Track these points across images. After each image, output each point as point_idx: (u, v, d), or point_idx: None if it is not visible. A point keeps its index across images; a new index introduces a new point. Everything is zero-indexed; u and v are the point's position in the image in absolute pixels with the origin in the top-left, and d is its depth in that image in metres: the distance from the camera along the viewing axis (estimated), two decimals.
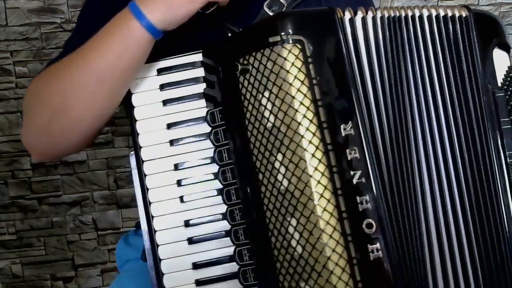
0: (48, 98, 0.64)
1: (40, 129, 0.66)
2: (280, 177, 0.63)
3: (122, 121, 1.17)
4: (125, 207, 1.32)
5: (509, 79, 0.69)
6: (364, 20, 0.66)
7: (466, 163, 0.66)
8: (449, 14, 0.68)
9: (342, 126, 0.62)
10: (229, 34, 0.74)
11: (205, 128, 0.69)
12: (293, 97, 0.62)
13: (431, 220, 0.65)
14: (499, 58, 0.70)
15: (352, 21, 0.65)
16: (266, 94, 0.64)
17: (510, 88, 0.69)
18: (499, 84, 0.69)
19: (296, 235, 0.63)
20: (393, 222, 0.63)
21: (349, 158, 0.62)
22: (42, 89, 0.65)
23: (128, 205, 1.31)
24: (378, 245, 0.62)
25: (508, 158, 0.67)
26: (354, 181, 0.62)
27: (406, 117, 0.66)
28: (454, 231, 0.66)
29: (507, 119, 0.67)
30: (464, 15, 0.68)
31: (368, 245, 0.62)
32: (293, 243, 0.63)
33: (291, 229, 0.63)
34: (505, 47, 0.70)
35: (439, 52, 0.67)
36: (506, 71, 0.69)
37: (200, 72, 0.71)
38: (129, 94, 0.70)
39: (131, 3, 0.62)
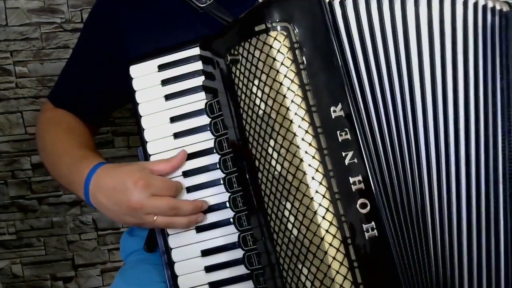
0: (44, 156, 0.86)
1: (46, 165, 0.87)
2: (273, 162, 0.64)
3: (122, 121, 1.18)
4: None
5: None
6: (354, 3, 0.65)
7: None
8: (490, 5, 0.66)
9: (332, 109, 0.63)
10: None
11: (207, 119, 0.71)
12: (281, 83, 0.63)
13: (428, 195, 0.65)
14: None
15: (342, 4, 0.65)
16: (256, 82, 0.65)
17: None
18: None
19: (292, 218, 0.64)
20: (389, 200, 0.63)
21: (340, 140, 0.63)
22: (41, 147, 0.86)
23: None
24: (373, 224, 0.62)
25: None
26: (346, 162, 0.63)
27: (395, 97, 0.65)
28: (455, 203, 0.66)
29: None
30: (504, 9, 0.66)
31: (363, 224, 0.62)
32: (289, 226, 0.64)
33: (286, 213, 0.64)
34: None
35: (458, 39, 0.66)
36: None
37: (199, 65, 0.72)
38: (133, 92, 0.74)
39: (87, 177, 0.72)
